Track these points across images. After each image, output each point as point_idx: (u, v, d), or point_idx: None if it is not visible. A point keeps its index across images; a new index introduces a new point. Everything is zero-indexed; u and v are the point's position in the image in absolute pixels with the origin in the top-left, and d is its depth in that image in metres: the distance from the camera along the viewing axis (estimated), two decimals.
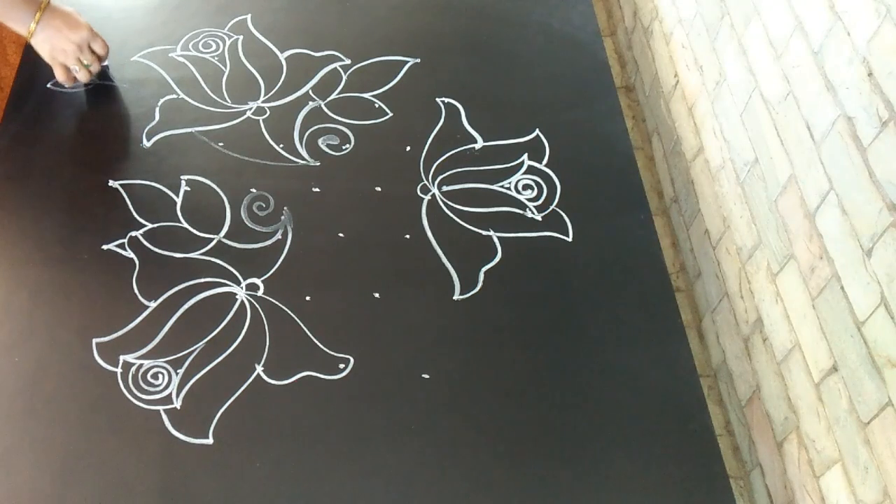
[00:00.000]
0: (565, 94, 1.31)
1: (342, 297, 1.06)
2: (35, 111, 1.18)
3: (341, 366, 1.01)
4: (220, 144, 1.18)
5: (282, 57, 1.29)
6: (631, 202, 1.20)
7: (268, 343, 1.01)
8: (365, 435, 0.96)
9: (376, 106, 1.25)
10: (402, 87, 1.28)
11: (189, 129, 1.19)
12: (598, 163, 1.23)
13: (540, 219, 1.16)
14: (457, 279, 1.09)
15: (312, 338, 1.02)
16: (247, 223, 1.11)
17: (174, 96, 1.22)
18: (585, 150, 1.25)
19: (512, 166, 1.21)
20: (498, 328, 1.06)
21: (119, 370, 0.97)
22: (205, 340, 1.00)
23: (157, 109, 1.20)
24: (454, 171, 1.19)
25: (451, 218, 1.15)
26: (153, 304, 1.02)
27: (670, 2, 1.65)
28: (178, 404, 0.96)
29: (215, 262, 1.06)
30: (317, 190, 1.15)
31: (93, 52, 1.15)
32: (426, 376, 1.01)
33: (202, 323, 1.01)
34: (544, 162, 1.22)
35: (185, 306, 1.02)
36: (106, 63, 1.20)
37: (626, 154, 1.25)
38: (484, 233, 1.14)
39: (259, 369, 0.99)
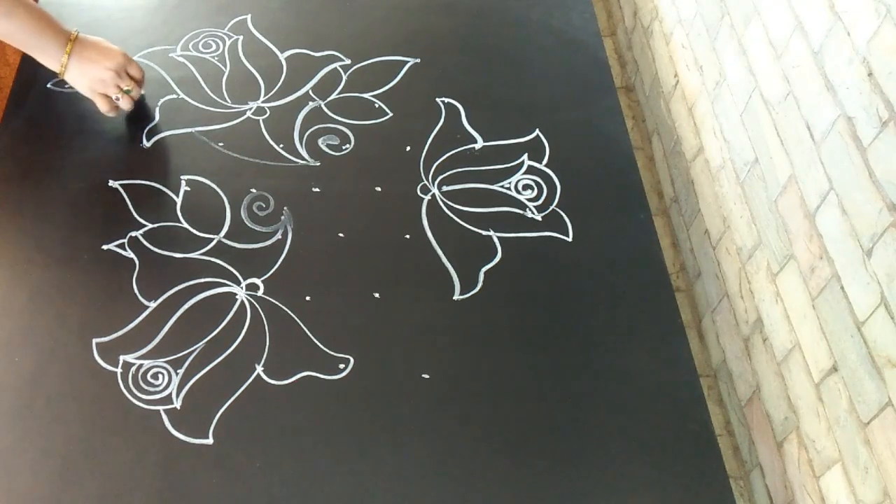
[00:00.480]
0: (565, 94, 1.31)
1: (342, 297, 1.06)
2: (35, 111, 1.18)
3: (341, 366, 1.01)
4: (220, 144, 1.18)
5: (282, 57, 1.29)
6: (631, 202, 1.20)
7: (268, 343, 1.01)
8: (365, 435, 0.96)
9: (376, 106, 1.25)
10: (402, 87, 1.28)
11: (189, 129, 1.19)
12: (598, 163, 1.23)
13: (540, 219, 1.16)
14: (457, 279, 1.09)
15: (312, 338, 1.02)
16: (247, 223, 1.11)
17: (174, 96, 1.22)
18: (585, 150, 1.25)
19: (512, 166, 1.21)
20: (498, 328, 1.06)
21: (119, 370, 0.97)
22: (205, 340, 1.00)
23: (157, 109, 1.20)
24: (454, 171, 1.19)
25: (451, 218, 1.15)
26: (153, 304, 1.02)
27: (670, 2, 1.65)
28: (178, 404, 0.96)
29: (215, 262, 1.06)
30: (317, 190, 1.15)
31: (130, 77, 1.12)
32: (426, 376, 1.01)
33: (202, 323, 1.01)
34: (544, 162, 1.22)
35: (185, 306, 1.02)
36: (143, 91, 1.18)
37: (626, 154, 1.25)
38: (484, 233, 1.14)
39: (259, 369, 0.99)
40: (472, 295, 1.08)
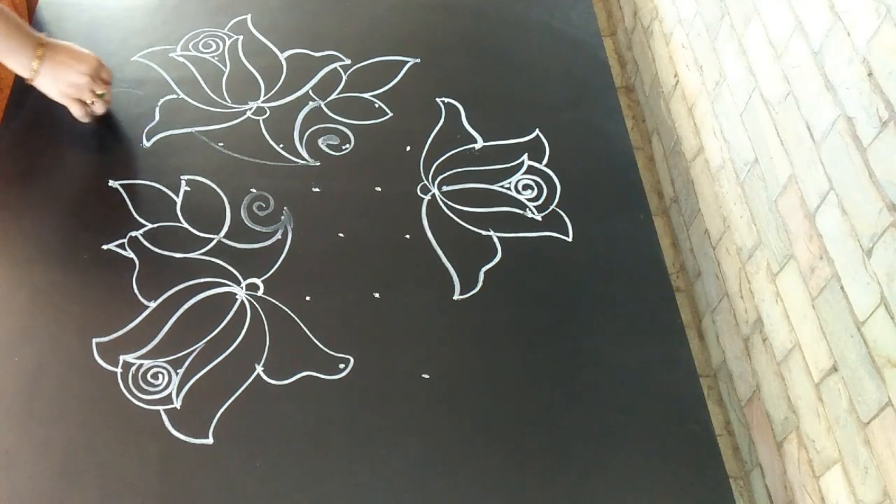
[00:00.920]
0: (565, 94, 1.31)
1: (342, 297, 1.06)
2: (35, 111, 1.18)
3: (341, 366, 1.01)
4: (220, 144, 1.18)
5: (282, 57, 1.29)
6: (631, 202, 1.20)
7: (268, 343, 1.01)
8: (365, 435, 0.96)
9: (376, 106, 1.25)
10: (402, 87, 1.28)
11: (189, 129, 1.19)
12: (598, 163, 1.23)
13: (540, 219, 1.16)
14: (457, 279, 1.09)
15: (312, 338, 1.02)
16: (247, 223, 1.11)
17: (174, 96, 1.22)
18: (585, 150, 1.25)
19: (512, 166, 1.21)
20: (498, 328, 1.06)
21: (119, 370, 0.97)
22: (205, 340, 1.00)
23: (157, 109, 1.20)
24: (454, 171, 1.19)
25: (451, 218, 1.15)
26: (153, 304, 1.02)
27: (670, 2, 1.65)
28: (178, 404, 0.96)
29: (215, 262, 1.06)
30: (317, 190, 1.15)
31: (102, 80, 1.11)
32: (426, 376, 1.01)
33: (202, 323, 1.01)
34: (544, 162, 1.22)
35: (185, 306, 1.02)
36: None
37: (626, 154, 1.25)
38: (484, 233, 1.14)
39: (259, 369, 0.99)
40: (472, 295, 1.08)
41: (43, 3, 1.29)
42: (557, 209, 1.17)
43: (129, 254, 1.06)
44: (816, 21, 1.14)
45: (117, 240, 1.07)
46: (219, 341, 1.00)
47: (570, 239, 1.14)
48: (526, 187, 1.19)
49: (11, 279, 1.03)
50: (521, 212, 1.16)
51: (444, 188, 1.17)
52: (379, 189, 1.16)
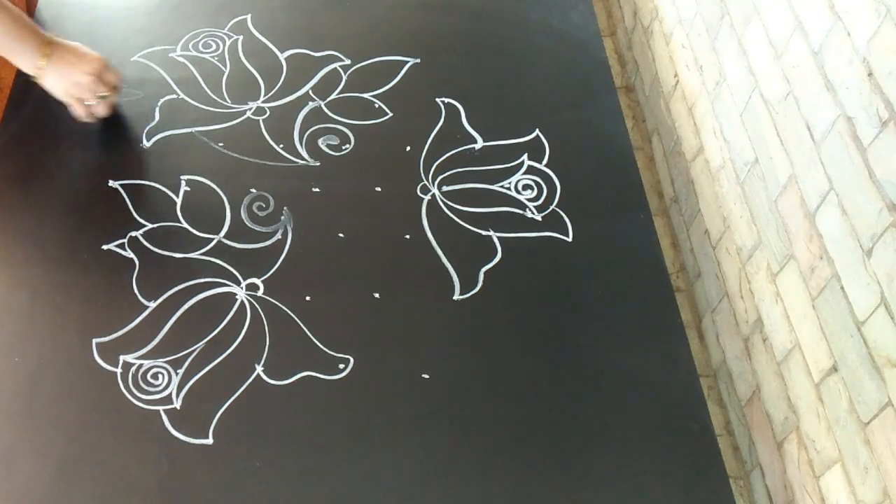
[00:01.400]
0: (565, 94, 1.31)
1: (342, 297, 1.06)
2: (35, 111, 1.18)
3: (341, 366, 1.01)
4: (220, 144, 1.18)
5: (282, 57, 1.29)
6: (631, 202, 1.20)
7: (268, 343, 1.01)
8: (365, 435, 0.96)
9: (376, 106, 1.25)
10: (402, 87, 1.28)
11: (189, 129, 1.19)
12: (598, 163, 1.23)
13: (540, 219, 1.16)
14: (457, 279, 1.09)
15: (312, 338, 1.02)
16: (247, 223, 1.11)
17: (174, 96, 1.22)
18: (585, 150, 1.25)
19: (512, 166, 1.21)
20: (498, 328, 1.06)
21: (119, 370, 0.97)
22: (205, 340, 1.00)
23: (157, 109, 1.20)
24: (454, 171, 1.19)
25: (451, 218, 1.15)
26: (153, 304, 1.02)
27: (670, 2, 1.65)
28: (178, 404, 0.96)
29: (215, 262, 1.06)
30: (317, 190, 1.15)
31: (107, 82, 1.11)
32: (426, 376, 1.01)
33: (202, 323, 1.01)
34: (544, 162, 1.22)
35: (185, 306, 1.02)
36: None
37: (626, 154, 1.25)
38: (484, 233, 1.14)
39: (259, 369, 0.99)
40: (472, 295, 1.08)
41: (43, 4, 1.29)
42: (557, 209, 1.17)
43: (129, 254, 1.06)
44: (816, 21, 1.14)
45: (117, 240, 1.07)
46: (219, 341, 1.00)
47: (570, 239, 1.14)
48: (526, 187, 1.19)
49: (11, 279, 1.03)
50: (521, 212, 1.16)
51: (444, 188, 1.17)
52: (379, 189, 1.16)
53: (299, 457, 0.94)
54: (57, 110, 1.17)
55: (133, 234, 1.08)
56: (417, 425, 0.97)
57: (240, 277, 1.05)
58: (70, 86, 1.08)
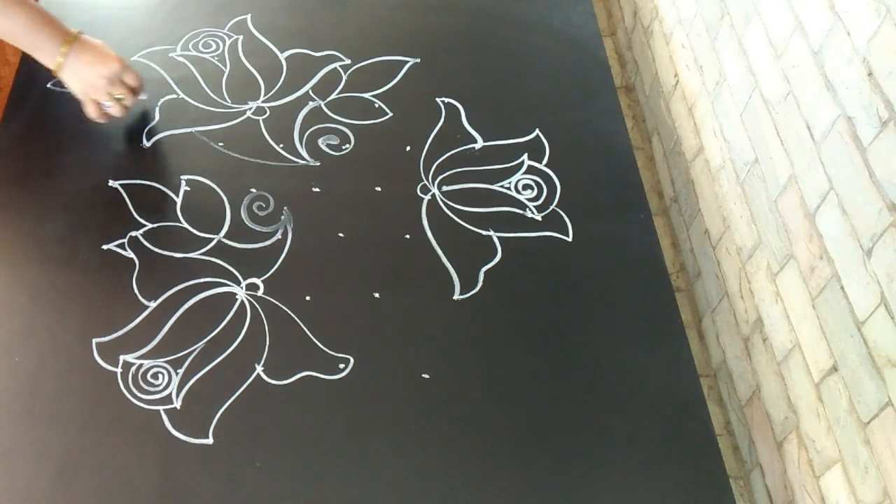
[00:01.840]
0: (565, 94, 1.31)
1: (342, 297, 1.06)
2: (35, 111, 1.18)
3: (341, 366, 1.01)
4: (220, 144, 1.18)
5: (282, 57, 1.29)
6: (631, 202, 1.20)
7: (268, 343, 1.01)
8: (365, 435, 0.96)
9: (376, 106, 1.25)
10: (402, 87, 1.28)
11: (189, 129, 1.19)
12: (598, 163, 1.23)
13: (540, 219, 1.16)
14: (457, 279, 1.09)
15: (312, 338, 1.02)
16: (247, 223, 1.11)
17: (174, 96, 1.22)
18: (585, 150, 1.25)
19: (512, 166, 1.21)
20: (498, 328, 1.06)
21: (119, 370, 0.97)
22: (205, 340, 1.00)
23: (157, 109, 1.20)
24: (454, 171, 1.19)
25: (451, 218, 1.15)
26: (153, 304, 1.02)
27: (670, 2, 1.65)
28: (178, 404, 0.96)
29: (215, 262, 1.06)
30: (317, 190, 1.15)
31: (126, 85, 1.10)
32: (426, 376, 1.01)
33: (202, 323, 1.01)
34: (544, 162, 1.22)
35: (185, 306, 1.02)
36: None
37: (626, 154, 1.25)
38: (484, 233, 1.14)
39: (259, 369, 0.99)
40: (472, 295, 1.08)
41: (44, 3, 1.29)
42: (557, 209, 1.17)
43: (129, 254, 1.06)
44: (816, 21, 1.14)
45: (117, 240, 1.07)
46: (219, 341, 1.00)
47: (570, 239, 1.14)
48: (526, 187, 1.19)
49: (11, 279, 1.03)
50: (521, 212, 1.16)
51: (444, 188, 1.17)
52: (379, 189, 1.16)
53: (299, 457, 0.94)
54: (57, 110, 1.17)
55: (133, 234, 1.08)
56: (417, 425, 0.97)
57: (240, 277, 1.05)
58: (86, 86, 1.08)
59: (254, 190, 1.14)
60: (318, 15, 1.36)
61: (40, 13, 1.04)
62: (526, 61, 1.35)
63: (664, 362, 1.05)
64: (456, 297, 1.07)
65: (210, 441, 0.94)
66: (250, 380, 0.98)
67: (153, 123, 1.19)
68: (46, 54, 1.05)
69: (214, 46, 1.29)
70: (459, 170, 1.19)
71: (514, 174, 1.20)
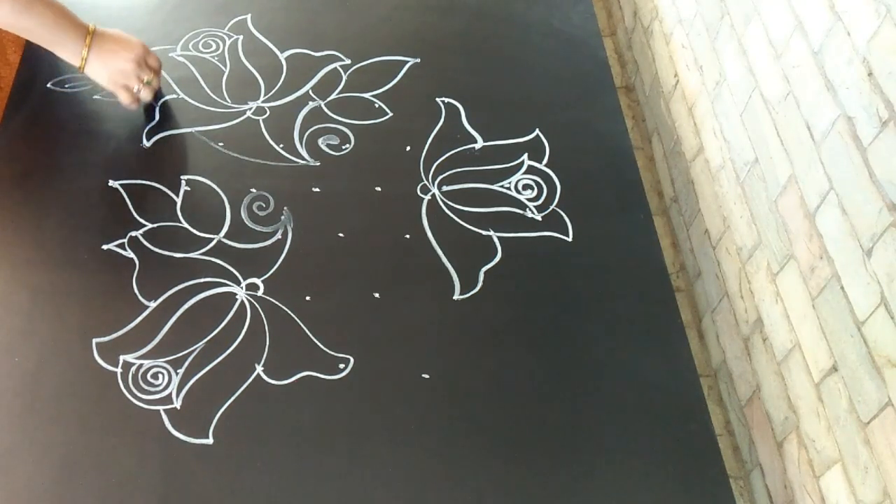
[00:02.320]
0: (565, 94, 1.31)
1: (342, 297, 1.06)
2: (35, 111, 1.18)
3: (341, 366, 1.01)
4: (220, 144, 1.18)
5: (282, 57, 1.29)
6: (631, 202, 1.20)
7: (268, 343, 1.01)
8: (365, 435, 0.96)
9: (376, 106, 1.25)
10: (402, 87, 1.28)
11: (189, 129, 1.19)
12: (598, 163, 1.23)
13: (540, 219, 1.16)
14: (457, 279, 1.09)
15: (312, 338, 1.02)
16: (247, 223, 1.11)
17: (174, 96, 1.22)
18: (585, 150, 1.25)
19: (512, 166, 1.21)
20: (498, 328, 1.06)
21: (119, 370, 0.97)
22: (205, 340, 1.00)
23: (157, 109, 1.20)
24: (454, 171, 1.19)
25: (451, 218, 1.15)
26: (153, 304, 1.02)
27: (670, 2, 1.65)
28: (178, 404, 0.96)
29: (215, 262, 1.06)
30: (317, 190, 1.15)
31: (150, 67, 1.12)
32: (426, 376, 1.01)
33: (202, 323, 1.01)
34: (544, 162, 1.22)
35: (185, 306, 1.02)
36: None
37: (626, 154, 1.25)
38: (484, 233, 1.14)
39: (259, 369, 0.99)
40: (472, 295, 1.08)
41: None
42: (557, 209, 1.17)
43: (129, 254, 1.06)
44: (816, 21, 1.14)
45: (117, 240, 1.07)
46: (219, 341, 1.00)
47: (570, 239, 1.14)
48: (526, 187, 1.19)
49: (11, 279, 1.03)
50: (521, 212, 1.16)
51: (444, 188, 1.17)
52: (379, 189, 1.16)
53: (299, 457, 0.94)
54: (57, 110, 1.17)
55: (133, 234, 1.08)
56: (417, 425, 0.97)
57: (240, 277, 1.05)
58: (114, 73, 1.09)
59: (254, 190, 1.14)
60: (318, 15, 1.36)
61: (60, 8, 1.05)
62: (526, 61, 1.35)
63: (664, 362, 1.05)
64: (456, 297, 1.07)
65: (210, 441, 0.94)
66: (250, 380, 0.98)
67: (153, 123, 1.19)
68: (69, 51, 1.06)
69: (214, 46, 1.29)
70: (459, 170, 1.19)
71: (514, 174, 1.20)
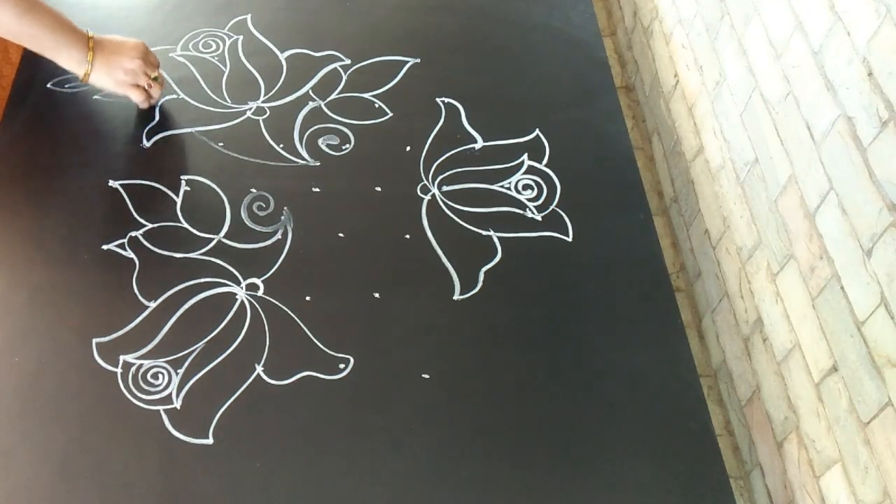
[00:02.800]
0: (565, 94, 1.31)
1: (342, 297, 1.06)
2: (35, 111, 1.18)
3: (341, 366, 1.01)
4: (220, 144, 1.18)
5: (282, 57, 1.29)
6: (631, 202, 1.20)
7: (268, 343, 1.01)
8: (365, 435, 0.96)
9: (376, 106, 1.25)
10: (402, 87, 1.28)
11: (189, 129, 1.19)
12: (598, 163, 1.23)
13: (540, 219, 1.16)
14: (457, 279, 1.09)
15: (312, 338, 1.02)
16: (247, 223, 1.11)
17: (174, 96, 1.22)
18: (585, 150, 1.25)
19: (512, 166, 1.21)
20: (498, 328, 1.06)
21: (119, 370, 0.97)
22: (205, 340, 1.00)
23: (157, 109, 1.20)
24: (454, 171, 1.19)
25: (451, 218, 1.15)
26: (153, 304, 1.02)
27: (670, 2, 1.65)
28: (178, 404, 0.96)
29: (215, 262, 1.06)
30: (317, 190, 1.15)
31: (153, 63, 1.14)
32: (426, 376, 1.01)
33: (202, 323, 1.01)
34: (544, 162, 1.22)
35: (185, 306, 1.02)
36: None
37: (626, 154, 1.25)
38: (484, 233, 1.14)
39: (259, 369, 0.99)
40: (472, 295, 1.08)
41: None
42: (557, 209, 1.17)
43: (129, 254, 1.06)
44: (816, 21, 1.14)
45: (117, 240, 1.07)
46: (219, 341, 1.00)
47: (570, 239, 1.14)
48: (526, 187, 1.19)
49: (11, 279, 1.03)
50: (521, 212, 1.16)
51: (444, 188, 1.17)
52: (379, 189, 1.16)
53: (299, 457, 0.94)
54: (57, 110, 1.17)
55: (133, 234, 1.08)
56: (417, 425, 0.97)
57: (240, 277, 1.05)
58: (122, 75, 1.10)
59: (254, 190, 1.14)
60: (318, 15, 1.36)
61: (60, 18, 1.05)
62: (526, 61, 1.35)
63: (664, 362, 1.05)
64: (456, 297, 1.07)
65: (210, 441, 0.94)
66: (250, 380, 0.98)
67: (153, 123, 1.19)
68: (73, 61, 1.06)
69: (214, 46, 1.29)
70: (459, 170, 1.19)
71: (514, 174, 1.20)
